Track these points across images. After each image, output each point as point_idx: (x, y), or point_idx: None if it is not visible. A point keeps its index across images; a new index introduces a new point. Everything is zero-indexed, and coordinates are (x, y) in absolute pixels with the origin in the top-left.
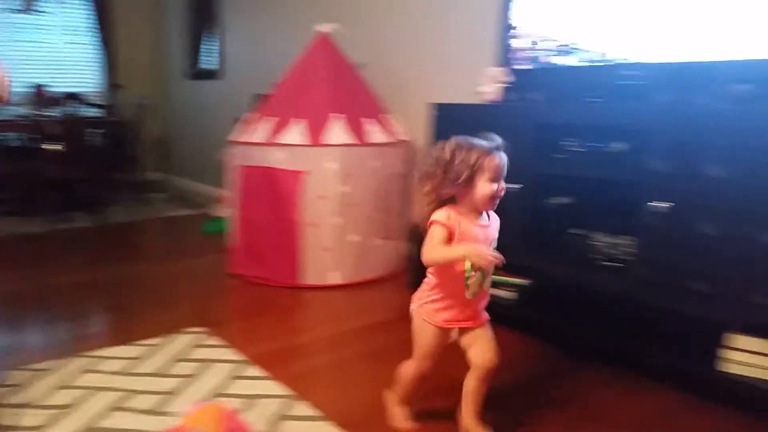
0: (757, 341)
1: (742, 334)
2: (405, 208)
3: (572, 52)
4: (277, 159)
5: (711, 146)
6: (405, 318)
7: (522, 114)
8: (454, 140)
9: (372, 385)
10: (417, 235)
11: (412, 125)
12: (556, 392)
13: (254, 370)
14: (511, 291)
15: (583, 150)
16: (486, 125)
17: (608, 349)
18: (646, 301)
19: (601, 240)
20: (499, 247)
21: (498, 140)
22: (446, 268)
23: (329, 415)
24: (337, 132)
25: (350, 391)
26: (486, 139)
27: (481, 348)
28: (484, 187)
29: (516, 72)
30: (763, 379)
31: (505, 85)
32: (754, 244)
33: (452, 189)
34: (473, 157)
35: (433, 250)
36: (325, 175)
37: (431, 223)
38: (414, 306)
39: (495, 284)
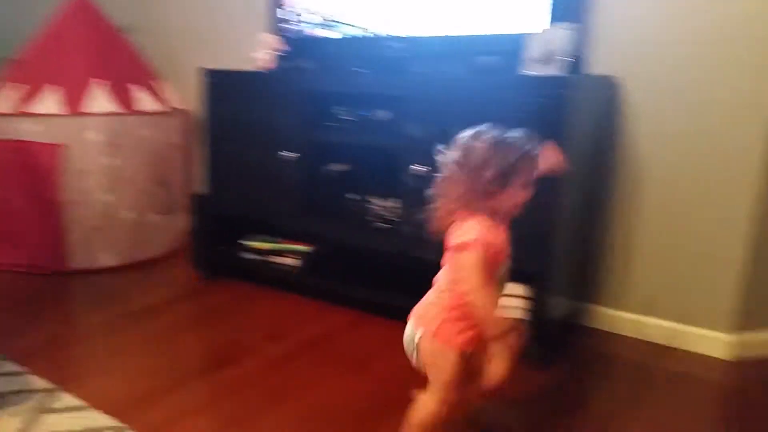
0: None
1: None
2: (185, 181)
3: (334, 26)
4: (29, 131)
5: (461, 113)
6: (188, 297)
7: (295, 82)
8: (486, 134)
9: (145, 370)
10: (199, 207)
11: (187, 93)
12: (335, 345)
13: (10, 366)
14: (295, 258)
15: (353, 118)
16: (259, 92)
17: (387, 304)
18: (415, 256)
19: (375, 203)
20: (280, 215)
21: (529, 135)
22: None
23: (95, 404)
24: (100, 100)
25: (120, 378)
26: (510, 132)
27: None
28: (518, 194)
29: (288, 40)
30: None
31: (279, 52)
32: None
33: (480, 195)
34: (512, 158)
35: (479, 288)
36: (87, 148)
37: (467, 246)
38: (425, 330)
39: (279, 252)
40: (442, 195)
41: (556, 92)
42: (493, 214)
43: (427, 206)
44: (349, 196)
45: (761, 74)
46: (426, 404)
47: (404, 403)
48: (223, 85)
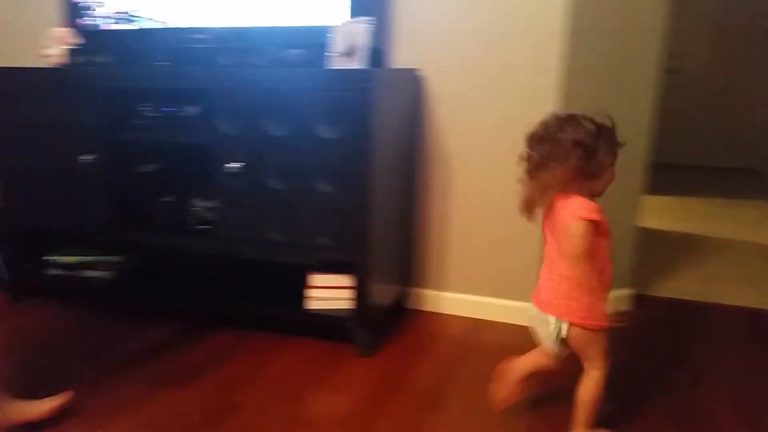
0: (330, 277)
1: (318, 272)
2: None
3: (133, 20)
4: None
5: (271, 107)
6: None
7: (91, 78)
8: (584, 116)
9: None
10: None
11: None
12: (159, 358)
13: None
14: (107, 269)
15: (160, 115)
16: (52, 91)
17: (212, 308)
18: (236, 256)
19: (192, 205)
20: (87, 224)
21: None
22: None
23: None
24: None
25: None
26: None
27: None
28: (611, 175)
29: (83, 33)
30: (337, 309)
31: (73, 47)
32: (314, 194)
33: (585, 177)
34: (615, 138)
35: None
36: None
37: (584, 217)
38: (570, 321)
39: (88, 265)
40: (538, 177)
41: (361, 85)
42: (590, 194)
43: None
44: (163, 198)
45: (546, 65)
46: (598, 379)
47: (236, 411)
48: (11, 86)
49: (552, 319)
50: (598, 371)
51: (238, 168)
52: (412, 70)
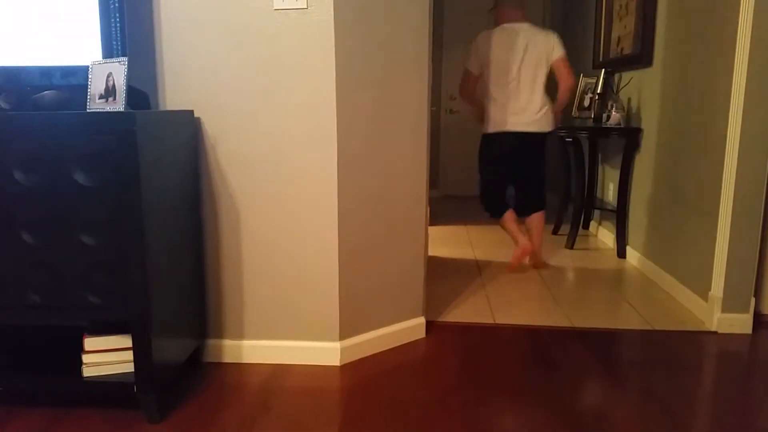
0: (108, 339)
1: (94, 335)
2: None
3: None
4: None
5: (21, 154)
6: None
7: None
8: None
9: None
10: None
11: None
12: None
13: None
14: None
15: None
16: None
17: None
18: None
19: None
20: None
21: None
22: None
23: None
24: None
25: None
26: None
27: None
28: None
29: None
30: (119, 373)
31: None
32: (78, 248)
33: None
34: None
35: None
36: None
37: None
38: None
39: None
40: None
41: (123, 129)
42: None
43: None
44: None
45: (318, 100)
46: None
47: None
48: None
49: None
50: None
51: None
52: (186, 111)
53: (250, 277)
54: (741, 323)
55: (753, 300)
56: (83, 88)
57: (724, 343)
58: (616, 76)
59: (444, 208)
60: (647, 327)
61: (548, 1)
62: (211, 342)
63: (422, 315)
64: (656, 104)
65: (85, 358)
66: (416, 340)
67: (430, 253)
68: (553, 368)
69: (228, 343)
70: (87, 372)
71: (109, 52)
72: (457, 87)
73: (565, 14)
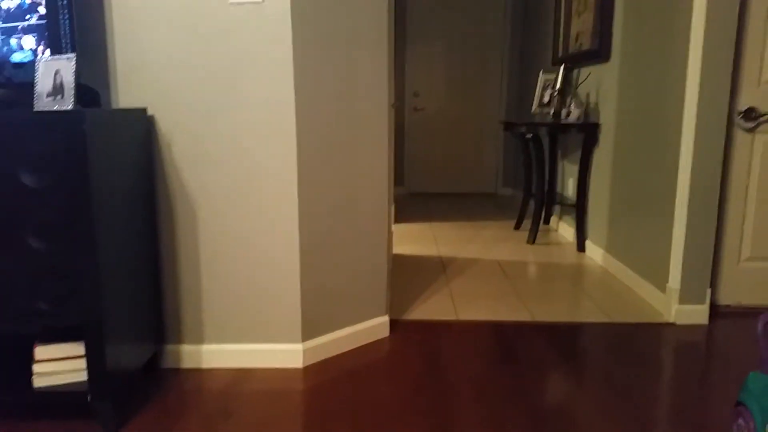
0: (60, 346)
1: (46, 343)
2: None
3: None
4: None
5: None
6: None
7: None
8: None
9: None
10: None
11: None
12: None
13: None
14: None
15: None
16: None
17: None
18: None
19: None
20: None
21: None
22: None
23: None
24: None
25: None
26: None
27: None
28: None
29: None
30: (72, 383)
31: None
32: (24, 252)
33: None
34: None
35: None
36: None
37: None
38: None
39: None
40: None
41: (72, 128)
42: None
43: None
44: None
45: (276, 95)
46: None
47: None
48: None
49: None
50: None
51: None
52: (138, 110)
53: (208, 279)
54: (698, 314)
55: (709, 291)
56: (30, 85)
57: (682, 334)
58: (575, 72)
59: (409, 205)
60: (607, 320)
61: None
62: (169, 347)
63: (386, 313)
64: (614, 99)
65: (36, 368)
66: (380, 339)
67: (395, 250)
68: (516, 363)
69: (187, 348)
70: (38, 382)
71: (57, 49)
72: (421, 83)
73: (526, 10)
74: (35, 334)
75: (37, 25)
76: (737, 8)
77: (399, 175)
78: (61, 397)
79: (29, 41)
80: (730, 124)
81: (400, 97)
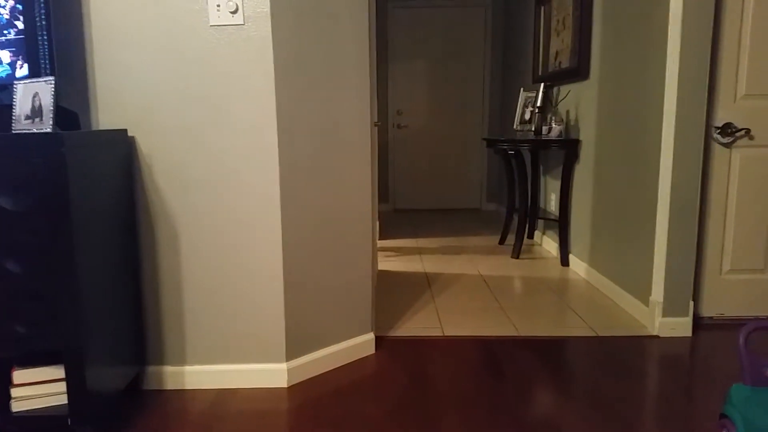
0: (39, 370)
1: (24, 367)
2: None
3: None
4: None
5: None
6: None
7: None
8: None
9: None
10: None
11: None
12: None
13: None
14: None
15: None
16: None
17: None
18: None
19: None
20: None
21: None
22: None
23: None
24: None
25: None
26: None
27: None
28: None
29: None
30: (52, 406)
31: None
32: (1, 275)
33: None
34: None
35: None
36: None
37: None
38: None
39: None
40: None
41: (51, 150)
42: None
43: None
44: None
45: (258, 116)
46: None
47: None
48: None
49: None
50: None
51: None
52: (119, 131)
53: (191, 300)
54: (681, 327)
55: (692, 304)
56: (8, 108)
57: (666, 347)
58: (555, 90)
59: (394, 221)
60: (592, 334)
61: (489, 17)
62: (151, 369)
63: (371, 331)
64: (593, 116)
65: (14, 392)
66: (366, 357)
67: (380, 267)
68: (502, 378)
69: (169, 369)
70: (16, 407)
71: (36, 71)
72: (404, 101)
73: (506, 30)
74: (13, 357)
75: (16, 39)
76: (711, 26)
77: (383, 192)
78: (40, 421)
79: (6, 56)
80: (707, 139)
81: (383, 114)
